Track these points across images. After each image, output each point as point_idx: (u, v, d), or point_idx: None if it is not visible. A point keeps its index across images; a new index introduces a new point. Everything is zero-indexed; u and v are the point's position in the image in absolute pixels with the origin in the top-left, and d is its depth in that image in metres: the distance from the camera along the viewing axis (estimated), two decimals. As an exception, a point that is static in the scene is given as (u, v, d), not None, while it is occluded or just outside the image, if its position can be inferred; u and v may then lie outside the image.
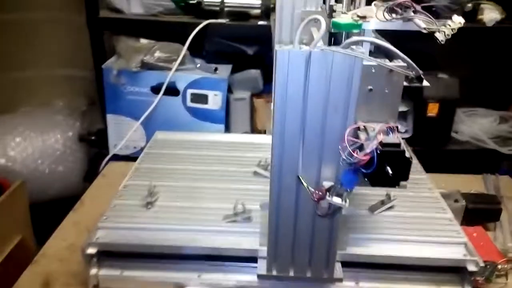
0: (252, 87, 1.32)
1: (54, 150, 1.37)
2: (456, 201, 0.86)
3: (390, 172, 0.49)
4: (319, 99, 0.51)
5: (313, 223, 0.59)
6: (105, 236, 0.69)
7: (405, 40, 1.45)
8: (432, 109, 1.24)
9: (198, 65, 1.21)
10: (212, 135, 1.07)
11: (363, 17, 0.53)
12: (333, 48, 0.49)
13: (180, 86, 1.17)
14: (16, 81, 1.59)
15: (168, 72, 1.14)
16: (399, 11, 0.54)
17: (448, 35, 0.53)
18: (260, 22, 1.19)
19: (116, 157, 1.20)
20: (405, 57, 0.51)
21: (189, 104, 1.18)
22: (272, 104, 0.54)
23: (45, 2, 1.50)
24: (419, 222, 0.75)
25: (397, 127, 0.53)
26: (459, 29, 1.42)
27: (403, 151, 0.50)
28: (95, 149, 1.43)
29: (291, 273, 0.64)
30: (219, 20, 1.17)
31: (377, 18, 0.52)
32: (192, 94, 1.17)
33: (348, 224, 0.67)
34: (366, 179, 0.52)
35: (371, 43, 0.52)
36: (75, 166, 1.41)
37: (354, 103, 0.51)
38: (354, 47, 0.50)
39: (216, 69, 1.21)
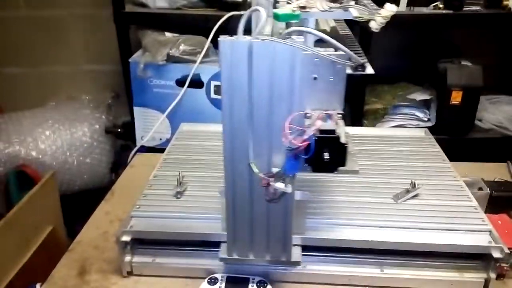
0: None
1: (82, 142, 1.42)
2: (480, 189, 0.86)
3: (326, 157, 0.51)
4: (264, 88, 0.53)
5: (267, 209, 0.61)
6: (138, 225, 0.72)
7: (429, 28, 1.44)
8: (456, 97, 1.23)
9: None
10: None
11: (303, 7, 0.55)
12: (273, 38, 0.51)
13: (204, 78, 1.19)
14: (45, 76, 1.64)
15: (192, 64, 1.16)
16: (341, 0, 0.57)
17: (381, 23, 0.55)
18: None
19: (143, 149, 1.24)
20: (341, 45, 0.51)
21: (213, 95, 1.20)
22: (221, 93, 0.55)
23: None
24: (443, 210, 0.76)
25: (338, 114, 0.55)
26: (483, 15, 1.41)
27: (338, 137, 0.52)
28: (121, 141, 1.48)
29: (251, 256, 0.67)
30: (242, 12, 1.18)
31: (317, 8, 0.54)
32: (216, 86, 1.19)
33: (307, 209, 0.68)
34: (307, 165, 0.53)
35: (307, 33, 0.52)
36: (102, 158, 1.45)
37: (297, 91, 0.52)
38: (295, 37, 0.51)
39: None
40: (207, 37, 1.16)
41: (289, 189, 0.56)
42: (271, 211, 0.62)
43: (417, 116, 1.29)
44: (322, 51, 0.52)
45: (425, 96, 1.30)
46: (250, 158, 0.57)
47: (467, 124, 1.27)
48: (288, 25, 0.55)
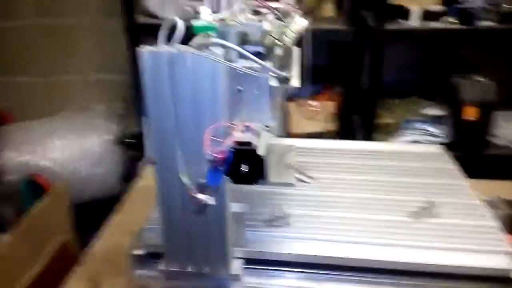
0: (285, 91, 1.32)
1: (92, 152, 1.42)
2: (497, 208, 0.84)
3: (244, 170, 0.51)
4: (187, 98, 0.53)
5: (204, 220, 0.60)
6: (151, 238, 0.71)
7: (441, 43, 1.43)
8: (469, 113, 1.22)
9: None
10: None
11: (223, 20, 0.55)
12: (190, 48, 0.50)
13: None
14: (55, 85, 1.65)
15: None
16: (262, 12, 0.59)
17: (292, 37, 0.57)
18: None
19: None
20: (256, 59, 0.52)
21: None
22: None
23: (83, 8, 1.56)
24: (460, 229, 0.74)
25: (266, 126, 0.55)
26: (496, 30, 1.40)
27: (254, 150, 0.51)
28: (131, 152, 1.47)
29: (189, 269, 0.65)
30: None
31: (236, 21, 0.55)
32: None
33: (245, 221, 0.68)
34: (226, 177, 0.53)
35: (219, 44, 0.52)
36: (113, 168, 1.45)
37: (220, 102, 0.52)
38: (213, 48, 0.51)
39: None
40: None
41: (211, 201, 0.55)
42: (207, 223, 0.61)
43: (431, 131, 1.28)
44: (239, 64, 0.52)
45: (438, 112, 1.29)
46: (180, 169, 0.57)
47: (482, 141, 1.25)
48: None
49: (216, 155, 0.50)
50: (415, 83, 1.49)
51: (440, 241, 0.71)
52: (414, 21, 1.23)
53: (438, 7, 1.24)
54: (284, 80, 0.55)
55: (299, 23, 0.59)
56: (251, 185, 0.53)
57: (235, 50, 0.51)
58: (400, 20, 1.24)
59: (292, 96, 1.34)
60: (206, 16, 0.56)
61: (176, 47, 0.51)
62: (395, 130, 1.30)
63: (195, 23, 0.53)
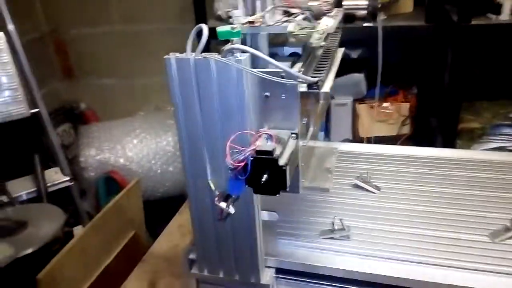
0: (355, 92, 1.27)
1: (165, 151, 1.48)
2: None
3: (263, 179, 0.48)
4: (212, 105, 0.52)
5: (232, 227, 0.59)
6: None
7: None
8: None
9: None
10: (311, 142, 1.04)
11: (252, 22, 0.56)
12: (214, 55, 0.49)
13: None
14: (135, 87, 1.75)
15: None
16: (294, 12, 0.59)
17: (318, 38, 0.56)
18: (366, 24, 1.13)
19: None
20: (279, 64, 0.49)
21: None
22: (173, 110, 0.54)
23: (160, 15, 1.64)
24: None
25: (292, 134, 0.53)
26: None
27: (275, 159, 0.47)
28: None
29: (221, 275, 0.64)
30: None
31: (265, 22, 0.55)
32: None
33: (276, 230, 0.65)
34: (247, 186, 0.50)
35: (243, 51, 0.50)
36: (184, 167, 1.50)
37: (246, 109, 0.51)
38: (238, 54, 0.49)
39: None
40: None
41: (231, 210, 0.54)
42: (236, 230, 0.60)
43: (522, 137, 1.14)
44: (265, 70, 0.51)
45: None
46: (208, 176, 0.57)
47: None
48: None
49: (235, 163, 0.50)
50: (506, 84, 1.34)
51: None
52: (505, 15, 1.09)
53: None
54: (313, 86, 0.53)
55: (325, 23, 0.59)
56: (273, 195, 0.51)
57: (257, 55, 0.50)
58: (490, 15, 1.12)
59: (363, 97, 1.28)
60: (236, 19, 0.57)
61: (201, 54, 0.51)
62: (481, 136, 1.18)
63: (219, 29, 0.53)
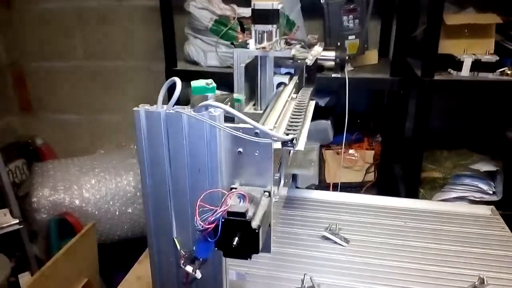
0: (322, 138, 1.28)
1: (125, 192, 1.41)
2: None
3: (234, 243, 0.45)
4: (182, 160, 0.50)
5: None
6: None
7: (495, 95, 1.33)
8: (527, 171, 1.10)
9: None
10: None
11: (264, 48, 0.72)
12: (186, 110, 0.48)
13: (250, 137, 1.15)
14: (96, 124, 1.70)
15: (239, 123, 1.13)
16: (293, 43, 0.76)
17: (311, 59, 0.75)
18: (334, 75, 1.15)
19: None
20: (253, 122, 0.48)
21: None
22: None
23: (128, 52, 1.61)
24: (519, 315, 0.64)
25: (265, 192, 0.51)
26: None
27: (248, 222, 0.45)
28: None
29: None
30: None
31: (274, 48, 0.72)
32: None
33: None
34: (216, 249, 0.47)
35: (219, 108, 0.49)
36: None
37: (216, 165, 0.49)
38: (212, 109, 0.48)
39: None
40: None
41: (197, 274, 0.51)
42: None
43: (481, 188, 1.17)
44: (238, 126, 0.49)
45: (491, 167, 1.18)
46: (174, 233, 0.53)
47: (541, 202, 1.13)
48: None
49: (205, 225, 0.46)
50: (466, 134, 1.39)
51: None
52: (466, 72, 1.15)
53: (491, 57, 1.16)
54: (288, 143, 0.51)
55: (317, 50, 0.77)
56: (245, 259, 0.48)
57: (231, 114, 0.49)
58: (451, 70, 1.17)
59: (329, 144, 1.29)
60: (252, 46, 0.72)
61: (173, 108, 0.49)
62: (442, 186, 1.20)
63: (194, 83, 0.51)
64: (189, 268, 0.51)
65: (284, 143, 0.51)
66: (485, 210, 0.96)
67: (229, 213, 0.46)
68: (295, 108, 0.66)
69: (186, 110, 0.49)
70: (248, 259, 0.47)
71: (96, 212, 1.36)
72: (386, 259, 0.76)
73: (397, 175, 1.39)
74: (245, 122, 0.48)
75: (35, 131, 1.69)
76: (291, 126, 0.59)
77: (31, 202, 1.30)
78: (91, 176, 1.39)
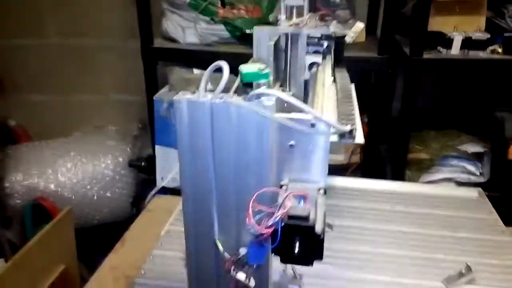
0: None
1: (103, 175, 1.36)
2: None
3: (296, 250, 0.42)
4: (229, 155, 0.44)
5: None
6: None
7: (485, 74, 1.30)
8: (514, 152, 1.09)
9: (252, 96, 1.16)
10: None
11: (297, 24, 0.64)
12: (236, 99, 0.42)
13: (232, 118, 1.11)
14: (72, 104, 1.63)
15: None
16: (327, 19, 0.70)
17: (352, 36, 0.68)
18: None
19: (164, 189, 1.16)
20: (313, 111, 0.43)
21: (241, 136, 1.12)
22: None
23: (103, 29, 1.54)
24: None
25: (319, 190, 0.45)
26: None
27: (312, 227, 0.41)
28: (143, 175, 1.41)
29: None
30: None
31: (307, 25, 0.64)
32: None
33: None
34: (274, 254, 0.43)
35: (276, 96, 0.43)
36: (124, 191, 1.39)
37: (268, 160, 0.43)
38: (264, 98, 0.42)
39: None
40: (236, 75, 1.08)
41: (251, 283, 0.46)
42: None
43: (468, 169, 1.16)
44: (295, 117, 0.43)
45: (479, 149, 1.16)
46: (215, 234, 0.48)
47: (527, 183, 1.12)
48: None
49: (262, 229, 0.41)
50: (454, 114, 1.37)
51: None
52: (456, 50, 1.11)
53: (482, 35, 1.12)
54: (346, 135, 0.45)
55: (359, 26, 0.70)
56: (306, 266, 0.44)
57: (290, 102, 0.42)
58: (440, 48, 1.13)
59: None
60: (283, 22, 0.64)
61: (220, 97, 0.42)
62: (429, 167, 1.18)
63: (244, 69, 0.45)
64: (241, 276, 0.46)
65: (342, 136, 0.45)
66: (472, 193, 0.94)
67: (290, 217, 0.41)
68: (342, 94, 0.59)
69: (236, 99, 0.42)
70: (310, 266, 0.43)
71: (73, 197, 1.31)
72: (372, 245, 0.74)
73: (384, 157, 1.36)
74: (305, 112, 0.42)
75: (8, 112, 1.62)
76: (344, 115, 0.52)
77: (4, 187, 1.25)
78: (66, 160, 1.34)
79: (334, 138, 0.45)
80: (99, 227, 1.40)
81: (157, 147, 1.19)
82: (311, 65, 0.69)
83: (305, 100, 0.59)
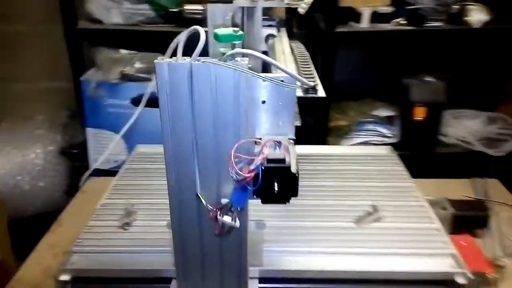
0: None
1: (34, 165, 1.34)
2: (443, 208, 0.84)
3: (276, 188, 0.48)
4: (207, 114, 0.49)
5: (219, 242, 0.57)
6: (79, 261, 0.66)
7: (392, 45, 1.43)
8: (419, 113, 1.22)
9: (180, 75, 1.18)
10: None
11: None
12: (214, 60, 0.47)
13: (162, 97, 1.14)
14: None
15: (148, 83, 1.11)
16: None
17: (304, 8, 0.71)
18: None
19: (98, 172, 1.17)
20: (285, 68, 0.50)
21: (172, 115, 1.15)
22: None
23: (23, 14, 1.47)
24: (405, 233, 0.73)
25: (290, 140, 0.53)
26: (445, 31, 1.42)
27: (288, 167, 0.48)
28: (76, 163, 1.40)
29: None
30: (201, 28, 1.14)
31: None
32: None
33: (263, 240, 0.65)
34: (255, 197, 0.50)
35: (250, 55, 0.49)
36: (57, 180, 1.38)
37: (243, 116, 0.49)
38: (239, 59, 0.48)
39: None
40: (164, 54, 1.11)
41: (236, 223, 0.52)
42: (224, 245, 0.57)
43: (381, 132, 1.28)
44: (268, 74, 0.50)
45: (389, 112, 1.29)
46: (197, 189, 0.53)
47: (431, 140, 1.26)
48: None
49: (244, 174, 0.46)
50: (369, 85, 1.49)
51: (384, 246, 0.70)
52: (365, 23, 1.22)
53: (387, 9, 1.24)
54: (310, 90, 0.52)
55: None
56: (283, 203, 0.49)
57: (262, 59, 0.48)
58: (351, 23, 1.24)
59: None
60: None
61: (198, 59, 0.46)
62: (348, 133, 1.29)
63: (219, 31, 0.49)
64: (227, 219, 0.51)
65: (307, 91, 0.51)
66: (384, 150, 1.06)
67: (269, 160, 0.46)
68: (300, 59, 0.65)
69: (213, 60, 0.46)
70: (287, 203, 0.49)
71: (3, 189, 1.28)
72: (296, 199, 0.81)
73: (311, 127, 1.46)
74: (280, 69, 0.48)
75: None
76: (307, 74, 0.57)
77: None
78: (-7, 151, 1.30)
79: (300, 93, 0.51)
80: (33, 218, 1.38)
81: (88, 130, 1.19)
82: (267, 37, 0.76)
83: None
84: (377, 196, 0.82)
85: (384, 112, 1.29)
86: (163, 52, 1.25)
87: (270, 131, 0.53)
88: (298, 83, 0.51)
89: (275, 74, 0.51)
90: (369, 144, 1.25)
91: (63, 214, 0.93)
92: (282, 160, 0.48)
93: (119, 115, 1.14)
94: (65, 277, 0.63)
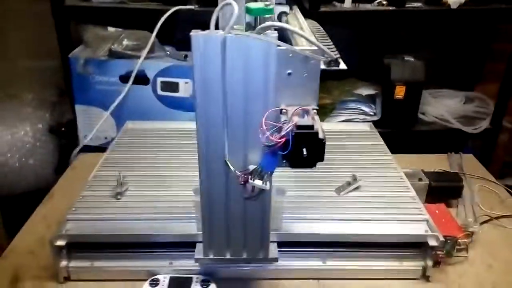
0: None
1: (23, 143, 1.34)
2: (420, 179, 0.89)
3: (305, 153, 0.51)
4: (238, 84, 0.52)
5: (244, 206, 0.61)
6: (74, 228, 0.70)
7: (374, 25, 1.46)
8: (399, 92, 1.26)
9: (168, 53, 1.20)
10: (183, 123, 1.07)
11: None
12: (247, 33, 0.50)
13: (150, 75, 1.16)
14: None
15: (137, 60, 1.13)
16: None
17: None
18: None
19: (87, 149, 1.19)
20: (315, 41, 0.53)
21: (160, 92, 1.17)
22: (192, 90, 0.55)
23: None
24: (383, 201, 0.78)
25: (313, 110, 0.56)
26: (424, 11, 1.45)
27: (316, 133, 0.52)
28: (65, 141, 1.41)
29: (228, 255, 0.66)
30: (188, 6, 1.15)
31: None
32: (162, 82, 1.16)
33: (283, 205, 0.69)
34: (285, 161, 0.54)
35: (281, 28, 0.53)
36: (46, 158, 1.39)
37: (272, 87, 0.52)
38: (269, 32, 0.51)
39: (186, 56, 1.20)
40: (152, 32, 1.12)
41: (267, 186, 0.55)
42: (249, 209, 0.61)
43: (364, 110, 1.32)
44: (296, 47, 0.52)
45: (371, 91, 1.33)
46: (226, 156, 0.56)
47: (411, 118, 1.31)
48: (260, 20, 0.56)
49: (276, 139, 0.50)
50: (352, 64, 1.52)
51: (363, 213, 0.75)
52: (348, 4, 1.25)
53: (369, -11, 1.26)
54: (332, 63, 0.54)
55: None
56: (310, 168, 0.53)
57: (293, 32, 0.51)
58: (335, 3, 1.26)
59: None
60: None
61: (230, 31, 0.49)
62: (332, 111, 1.33)
63: (251, 5, 0.51)
64: (258, 182, 0.54)
65: (329, 63, 0.53)
66: (365, 127, 1.11)
67: (299, 127, 0.50)
68: (317, 34, 0.67)
69: (247, 33, 0.49)
70: (314, 167, 0.53)
71: (-7, 166, 1.29)
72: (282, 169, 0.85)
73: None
74: (311, 42, 0.51)
75: None
76: (327, 47, 0.59)
77: None
78: (-19, 130, 1.30)
79: (323, 65, 0.54)
80: (23, 196, 1.39)
81: (77, 107, 1.20)
82: (280, 15, 0.76)
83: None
84: (357, 168, 0.87)
85: (366, 91, 1.33)
86: (150, 29, 1.26)
87: (294, 102, 0.55)
88: (323, 56, 0.53)
89: (301, 47, 0.54)
90: (352, 122, 1.29)
91: (55, 188, 0.95)
92: (311, 127, 0.51)
93: (107, 92, 1.15)
94: (60, 243, 0.67)
